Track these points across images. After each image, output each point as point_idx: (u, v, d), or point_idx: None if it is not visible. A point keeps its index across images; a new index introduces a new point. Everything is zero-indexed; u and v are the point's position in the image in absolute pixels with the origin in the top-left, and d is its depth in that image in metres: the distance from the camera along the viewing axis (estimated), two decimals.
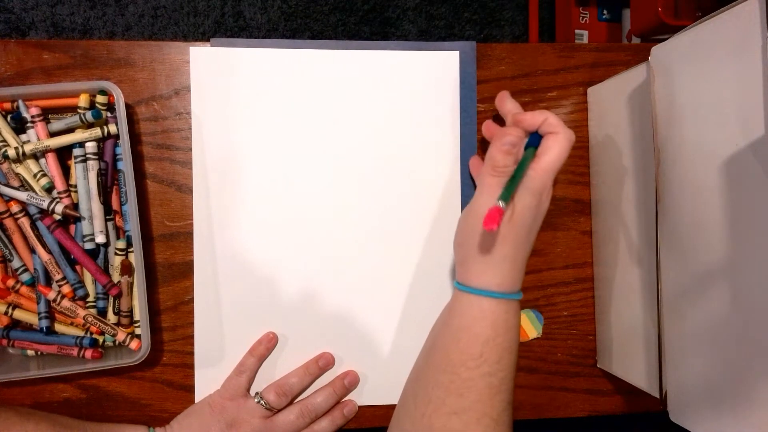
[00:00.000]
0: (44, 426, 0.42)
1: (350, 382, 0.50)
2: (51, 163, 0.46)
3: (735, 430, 0.36)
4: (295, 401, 0.49)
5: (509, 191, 0.37)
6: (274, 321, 0.50)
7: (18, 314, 0.47)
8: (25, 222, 0.46)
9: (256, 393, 0.48)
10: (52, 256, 0.46)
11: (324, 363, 0.50)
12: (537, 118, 0.41)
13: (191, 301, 0.50)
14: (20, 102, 0.46)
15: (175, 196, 0.50)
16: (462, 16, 1.32)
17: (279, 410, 0.48)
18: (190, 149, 0.50)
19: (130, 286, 0.48)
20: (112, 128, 0.46)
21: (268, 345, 0.49)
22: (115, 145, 0.48)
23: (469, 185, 0.52)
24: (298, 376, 0.49)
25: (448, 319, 0.42)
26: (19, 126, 0.47)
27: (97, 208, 0.47)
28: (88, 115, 0.45)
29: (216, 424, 0.47)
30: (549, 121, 0.40)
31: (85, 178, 0.46)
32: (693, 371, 0.39)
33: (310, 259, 0.50)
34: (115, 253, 0.48)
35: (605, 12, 1.25)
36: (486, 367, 0.38)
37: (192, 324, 0.50)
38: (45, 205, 0.45)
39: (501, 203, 0.36)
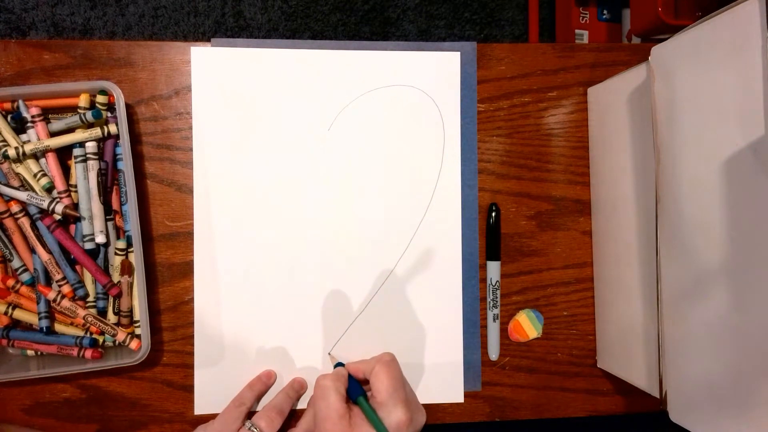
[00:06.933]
0: None
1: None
2: (51, 163, 0.46)
3: (735, 430, 0.36)
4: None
5: None
6: (274, 321, 0.50)
7: (18, 314, 0.47)
8: (25, 222, 0.46)
9: (248, 421, 0.46)
10: (52, 256, 0.46)
11: (298, 386, 0.50)
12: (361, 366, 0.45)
13: (191, 301, 0.50)
14: (20, 102, 0.46)
15: (175, 196, 0.50)
16: (462, 16, 1.32)
17: None
18: (190, 149, 0.50)
19: (130, 286, 0.48)
20: (112, 128, 0.46)
21: (267, 382, 0.49)
22: (115, 145, 0.48)
23: (469, 186, 0.52)
24: (281, 398, 0.48)
25: None
26: (20, 126, 0.47)
27: (97, 208, 0.47)
28: (89, 115, 0.45)
29: None
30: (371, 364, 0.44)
31: (85, 178, 0.46)
32: (693, 371, 0.39)
33: (310, 258, 0.50)
34: (115, 253, 0.48)
35: (605, 12, 1.25)
36: None
37: (192, 324, 0.50)
38: (45, 205, 0.45)
39: None
